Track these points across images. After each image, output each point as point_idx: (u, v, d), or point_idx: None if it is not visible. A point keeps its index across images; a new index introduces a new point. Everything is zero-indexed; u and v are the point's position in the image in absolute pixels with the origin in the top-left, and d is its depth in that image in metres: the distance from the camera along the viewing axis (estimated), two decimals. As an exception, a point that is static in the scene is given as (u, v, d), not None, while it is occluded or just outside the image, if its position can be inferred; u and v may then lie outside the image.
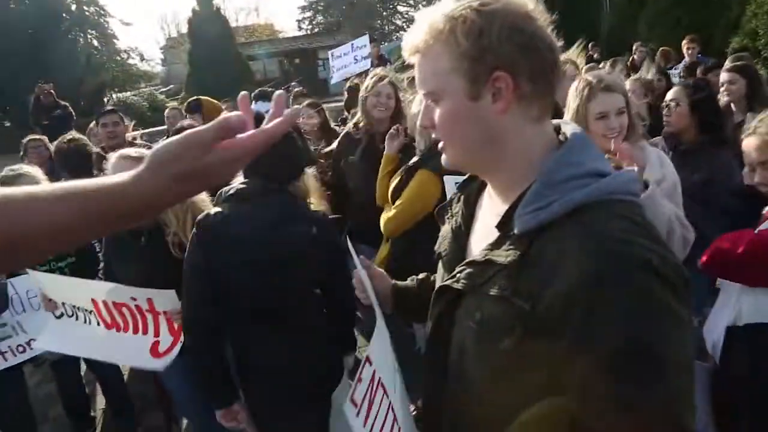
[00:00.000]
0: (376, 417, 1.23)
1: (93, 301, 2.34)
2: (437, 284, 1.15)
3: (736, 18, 10.76)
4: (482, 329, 0.97)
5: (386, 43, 29.78)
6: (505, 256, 0.95)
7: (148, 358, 2.30)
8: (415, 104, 2.77)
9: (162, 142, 0.78)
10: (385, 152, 3.02)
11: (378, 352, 1.27)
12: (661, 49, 8.30)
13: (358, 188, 3.39)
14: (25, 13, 22.88)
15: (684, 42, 7.66)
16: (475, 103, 0.95)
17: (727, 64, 4.28)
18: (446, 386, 1.10)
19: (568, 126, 1.05)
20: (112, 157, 2.37)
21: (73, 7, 27.60)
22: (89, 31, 28.36)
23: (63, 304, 2.45)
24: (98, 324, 2.38)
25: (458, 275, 1.04)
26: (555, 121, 1.06)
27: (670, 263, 0.85)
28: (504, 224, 0.99)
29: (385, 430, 1.22)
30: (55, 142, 3.79)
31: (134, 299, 2.27)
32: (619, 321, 0.81)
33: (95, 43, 28.81)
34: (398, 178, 2.78)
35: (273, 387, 2.11)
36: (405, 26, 36.07)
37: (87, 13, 28.23)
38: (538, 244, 0.91)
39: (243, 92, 0.89)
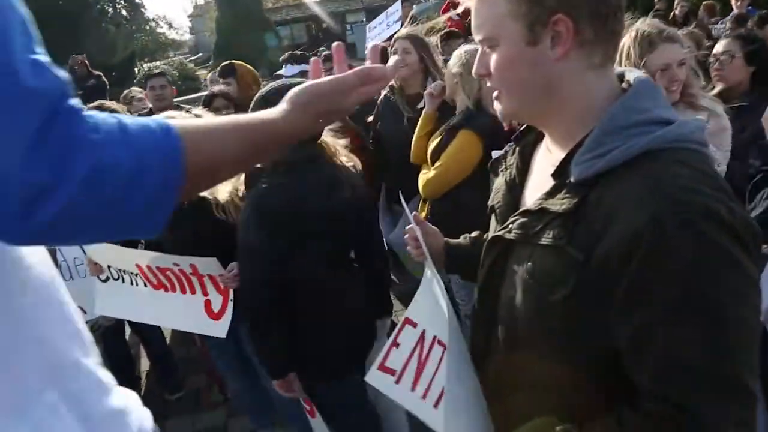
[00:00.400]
0: (433, 377, 1.20)
1: (137, 266, 2.37)
2: (489, 236, 1.12)
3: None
4: (534, 280, 0.94)
5: (419, 3, 29.20)
6: (560, 204, 0.91)
7: (207, 321, 2.32)
8: (453, 61, 2.69)
9: (303, 86, 0.88)
10: (423, 111, 2.91)
11: (427, 309, 1.23)
12: (704, 2, 7.90)
13: (392, 148, 3.33)
14: (54, -16, 23.02)
15: (732, -7, 7.24)
16: (533, 48, 0.91)
17: None
18: (494, 339, 1.08)
19: (632, 73, 0.98)
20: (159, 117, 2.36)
21: (102, -24, 27.69)
22: (118, 1, 28.48)
23: (108, 267, 2.49)
24: (145, 285, 2.41)
25: (510, 226, 1.01)
26: (619, 69, 1.01)
27: (738, 215, 0.79)
28: (560, 172, 0.95)
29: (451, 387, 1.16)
30: (90, 106, 3.84)
31: (177, 264, 2.28)
32: (679, 272, 0.77)
33: (123, 12, 28.95)
34: (438, 138, 2.70)
35: (325, 357, 2.10)
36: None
37: (115, -18, 28.33)
38: (596, 192, 0.86)
39: (337, 43, 1.01)
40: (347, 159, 2.09)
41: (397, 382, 1.21)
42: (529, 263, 0.95)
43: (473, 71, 1.03)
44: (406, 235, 1.45)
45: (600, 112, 0.92)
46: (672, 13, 7.92)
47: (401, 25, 7.05)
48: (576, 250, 0.86)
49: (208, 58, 27.88)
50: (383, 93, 3.52)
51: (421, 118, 2.93)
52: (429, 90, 2.88)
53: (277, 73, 5.09)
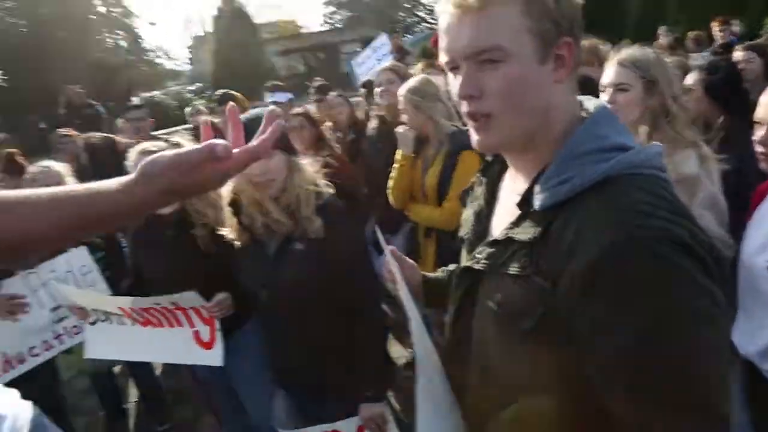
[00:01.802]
0: None
1: (120, 308, 2.39)
2: (459, 267, 1.13)
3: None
4: (502, 310, 0.94)
5: (410, 36, 29.69)
6: (525, 233, 0.91)
7: (200, 351, 2.32)
8: (410, 95, 2.71)
9: (152, 156, 0.84)
10: (402, 155, 2.88)
11: (417, 344, 1.23)
12: (690, 32, 8.04)
13: (382, 177, 3.37)
14: (53, 17, 23.35)
15: (714, 23, 7.37)
16: (540, 66, 0.90)
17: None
18: (468, 370, 1.08)
19: (591, 101, 1.00)
20: (133, 152, 2.40)
21: (101, 9, 28.10)
22: (116, 32, 28.85)
23: (94, 310, 2.51)
24: (132, 324, 2.43)
25: (478, 256, 1.01)
26: (578, 97, 1.03)
27: (698, 237, 0.80)
28: (525, 202, 0.95)
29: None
30: (83, 136, 3.89)
31: (158, 303, 2.30)
32: (642, 297, 0.77)
33: (123, 43, 29.30)
34: (438, 168, 2.69)
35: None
36: (428, 18, 35.75)
37: (114, 15, 28.72)
38: (560, 220, 0.87)
39: (231, 104, 0.94)
40: (324, 184, 2.10)
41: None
42: (498, 294, 0.95)
43: (458, 93, 0.95)
44: (385, 269, 1.45)
45: (562, 139, 0.93)
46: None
47: (392, 57, 7.17)
48: (542, 278, 0.86)
49: (206, 88, 28.13)
50: (372, 125, 3.59)
51: (399, 165, 2.89)
52: (398, 130, 2.85)
53: (270, 100, 5.17)
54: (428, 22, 31.64)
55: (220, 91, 4.56)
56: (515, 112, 0.92)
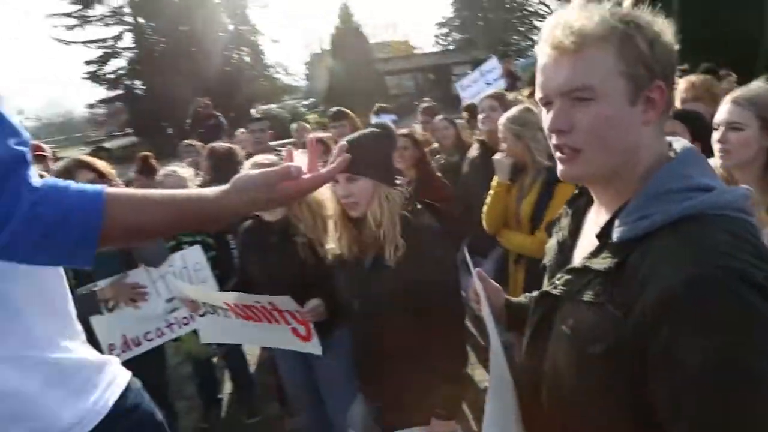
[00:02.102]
0: None
1: (226, 303, 2.62)
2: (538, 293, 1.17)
3: None
4: (574, 334, 0.97)
5: (521, 60, 29.31)
6: (601, 263, 0.94)
7: (300, 343, 2.51)
8: (512, 125, 2.72)
9: (243, 173, 1.07)
10: (497, 182, 2.92)
11: (493, 365, 1.27)
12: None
13: (479, 201, 3.40)
14: (190, 32, 25.49)
15: None
16: (631, 108, 0.94)
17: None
18: (540, 392, 1.11)
19: (679, 142, 1.03)
20: (247, 163, 2.63)
21: (231, 27, 30.28)
22: (242, 48, 30.94)
23: (204, 303, 2.76)
24: (236, 317, 2.65)
25: (557, 282, 1.05)
26: (668, 138, 1.05)
27: None
28: (604, 233, 0.98)
29: None
30: (208, 146, 4.25)
31: (258, 302, 2.50)
32: (711, 334, 0.78)
33: (247, 59, 31.34)
34: (534, 197, 2.72)
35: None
36: (542, 42, 35.22)
37: (241, 32, 30.84)
38: (637, 254, 0.89)
39: (311, 136, 1.20)
40: (416, 208, 2.14)
41: None
42: (572, 319, 0.98)
43: (549, 127, 1.00)
44: (470, 291, 1.50)
45: (649, 177, 0.96)
46: None
47: (503, 82, 7.13)
48: (614, 307, 0.89)
49: (319, 103, 29.37)
50: (473, 149, 3.64)
51: (494, 192, 2.94)
52: (496, 157, 2.89)
53: (375, 121, 5.37)
54: (542, 46, 31.04)
55: (334, 108, 4.80)
56: (601, 148, 0.96)
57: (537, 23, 37.09)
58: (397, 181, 2.10)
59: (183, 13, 25.68)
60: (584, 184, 1.14)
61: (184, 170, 3.35)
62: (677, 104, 3.15)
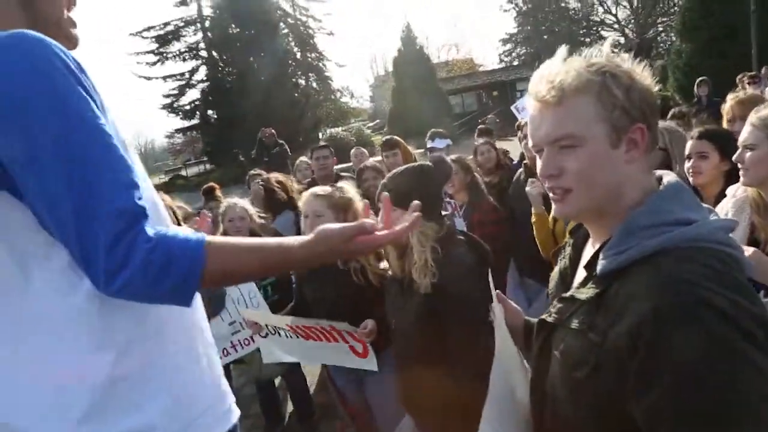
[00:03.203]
0: None
1: (287, 325, 2.80)
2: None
3: None
4: (564, 359, 1.04)
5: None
6: (585, 293, 1.02)
7: (357, 359, 2.65)
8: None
9: (324, 226, 1.16)
10: (534, 212, 3.02)
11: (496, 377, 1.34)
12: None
13: (525, 223, 3.44)
14: (261, 62, 26.64)
15: None
16: (614, 150, 1.02)
17: None
18: (545, 415, 1.18)
19: (669, 176, 1.08)
20: (305, 194, 2.80)
21: (299, 54, 31.43)
22: (309, 74, 32.01)
23: (266, 325, 2.95)
24: (297, 337, 2.82)
25: (552, 310, 1.13)
26: (659, 172, 1.11)
27: (744, 309, 0.85)
28: (590, 265, 1.06)
29: None
30: (262, 178, 4.48)
31: (318, 323, 2.66)
32: (677, 359, 0.84)
33: (314, 84, 32.39)
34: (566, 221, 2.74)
35: None
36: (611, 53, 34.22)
37: (309, 59, 31.95)
38: (616, 285, 0.96)
39: (385, 194, 1.32)
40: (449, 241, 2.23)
41: None
42: (562, 344, 1.06)
43: (540, 173, 1.08)
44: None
45: (631, 212, 1.02)
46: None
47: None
48: (595, 334, 0.96)
49: (384, 125, 29.84)
50: (521, 170, 3.67)
51: (535, 220, 3.03)
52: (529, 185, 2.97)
53: (429, 146, 5.47)
54: (610, 57, 30.15)
55: (387, 137, 4.95)
56: (589, 188, 1.04)
57: (604, 33, 36.14)
58: (442, 212, 2.21)
59: (253, 45, 26.92)
60: (577, 220, 1.21)
61: (242, 201, 3.58)
62: (725, 123, 3.09)
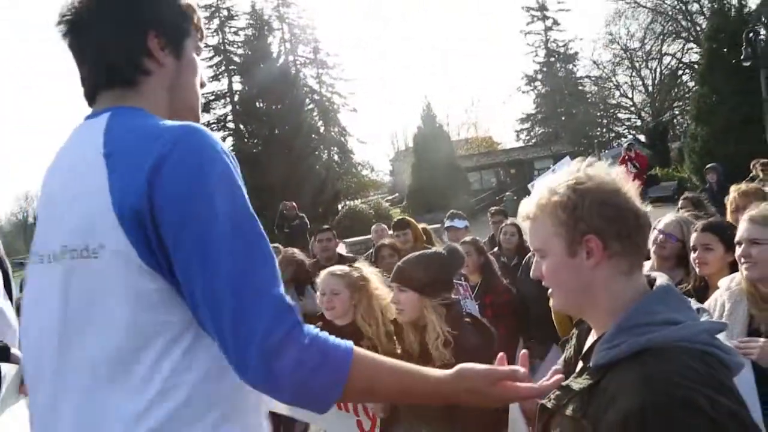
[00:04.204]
0: None
1: None
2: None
3: None
4: None
5: (606, 151, 29.10)
6: (580, 384, 1.12)
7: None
8: None
9: (471, 365, 1.12)
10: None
11: None
12: None
13: (532, 302, 3.51)
14: (286, 134, 27.54)
15: None
16: (572, 259, 1.16)
17: None
18: None
19: (661, 278, 1.20)
20: (322, 273, 2.93)
21: (322, 129, 32.52)
22: (331, 148, 32.97)
23: None
24: None
25: (551, 396, 1.21)
26: (653, 274, 1.23)
27: (724, 407, 0.93)
28: (586, 357, 1.18)
29: None
30: (284, 251, 4.62)
31: None
32: None
33: (335, 158, 33.29)
34: None
35: None
36: (625, 133, 34.79)
37: (332, 134, 33.01)
38: (608, 377, 1.06)
39: (524, 351, 1.32)
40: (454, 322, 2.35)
41: None
42: (558, 429, 1.16)
43: (531, 274, 1.32)
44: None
45: (624, 310, 1.13)
46: None
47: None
48: (588, 422, 1.06)
49: (402, 198, 30.27)
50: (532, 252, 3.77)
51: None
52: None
53: (448, 225, 5.59)
54: (625, 137, 30.88)
55: (397, 218, 5.13)
56: (560, 290, 1.23)
57: (621, 115, 36.92)
58: (452, 296, 2.34)
59: (278, 119, 27.94)
60: (568, 314, 1.33)
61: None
62: (728, 214, 3.21)
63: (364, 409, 2.62)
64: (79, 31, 1.13)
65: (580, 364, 1.21)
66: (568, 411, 1.12)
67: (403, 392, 1.10)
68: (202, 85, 1.26)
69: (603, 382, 1.07)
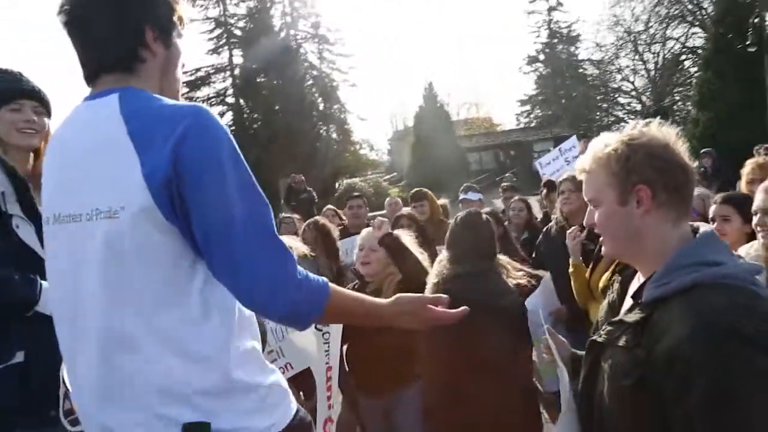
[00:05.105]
0: None
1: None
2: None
3: None
4: (612, 371, 1.24)
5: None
6: (633, 317, 1.24)
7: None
8: None
9: (406, 294, 1.42)
10: (572, 263, 3.21)
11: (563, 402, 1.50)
12: None
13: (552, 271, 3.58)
14: (284, 111, 27.44)
15: None
16: (623, 207, 1.28)
17: None
18: (591, 420, 1.36)
19: (704, 226, 1.33)
20: (365, 230, 3.10)
21: (322, 106, 32.33)
22: (331, 125, 32.80)
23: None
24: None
25: (601, 332, 1.35)
26: (696, 224, 1.33)
27: (766, 333, 1.04)
28: (637, 295, 1.30)
29: None
30: (310, 220, 4.68)
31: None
32: (706, 379, 1.05)
33: (334, 136, 33.12)
34: (603, 270, 2.90)
35: None
36: (625, 118, 34.67)
37: (331, 111, 32.82)
38: (659, 311, 1.18)
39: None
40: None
41: None
42: (611, 359, 1.26)
43: (584, 222, 1.45)
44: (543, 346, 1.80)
45: (666, 254, 1.25)
46: None
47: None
48: (641, 351, 1.17)
49: (401, 178, 30.26)
50: (553, 226, 3.84)
51: (572, 271, 3.24)
52: (569, 232, 3.19)
53: (463, 198, 5.66)
54: (626, 122, 30.60)
55: (415, 189, 5.18)
56: (611, 237, 1.36)
57: (621, 99, 36.81)
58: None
59: (278, 94, 27.82)
60: (618, 259, 1.45)
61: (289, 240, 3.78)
62: (743, 185, 3.29)
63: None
64: (82, 23, 1.30)
65: (629, 302, 1.33)
66: (621, 342, 1.24)
67: (362, 314, 1.41)
68: (183, 66, 1.46)
69: (655, 315, 1.19)
